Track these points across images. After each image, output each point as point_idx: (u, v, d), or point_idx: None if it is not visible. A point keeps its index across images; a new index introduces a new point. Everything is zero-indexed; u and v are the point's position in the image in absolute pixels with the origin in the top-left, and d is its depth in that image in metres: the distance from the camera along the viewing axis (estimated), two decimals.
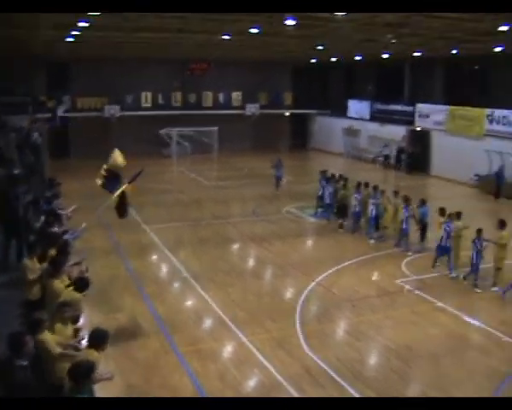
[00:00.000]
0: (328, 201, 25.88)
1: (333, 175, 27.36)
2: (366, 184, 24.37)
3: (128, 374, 12.49)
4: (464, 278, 18.60)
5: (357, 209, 23.97)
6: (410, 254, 21.27)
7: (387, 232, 22.85)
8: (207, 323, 15.57)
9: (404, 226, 21.55)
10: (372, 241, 22.80)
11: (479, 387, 12.35)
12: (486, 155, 34.15)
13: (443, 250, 19.46)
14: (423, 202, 21.85)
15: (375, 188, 23.62)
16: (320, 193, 26.73)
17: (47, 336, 8.99)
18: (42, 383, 8.59)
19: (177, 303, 16.93)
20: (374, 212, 22.95)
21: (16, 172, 20.14)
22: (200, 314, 16.00)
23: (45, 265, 11.99)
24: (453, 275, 19.01)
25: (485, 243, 18.07)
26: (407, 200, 21.88)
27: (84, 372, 7.65)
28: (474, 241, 18.17)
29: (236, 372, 12.72)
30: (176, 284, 18.59)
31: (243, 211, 28.68)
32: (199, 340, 14.38)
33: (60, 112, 41.43)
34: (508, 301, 17.05)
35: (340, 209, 24.80)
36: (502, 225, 18.13)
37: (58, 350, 8.95)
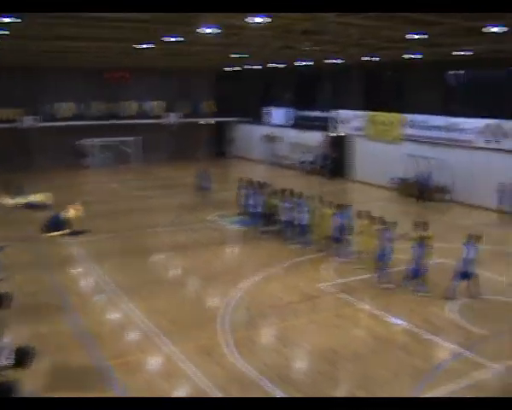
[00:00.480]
0: (256, 209, 25.73)
1: (261, 184, 27.26)
2: (291, 192, 24.52)
3: (55, 390, 12.19)
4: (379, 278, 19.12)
5: (285, 217, 23.96)
6: (340, 259, 21.53)
7: (312, 238, 23.08)
8: (133, 334, 15.38)
9: (334, 232, 21.74)
10: (298, 246, 22.97)
11: (404, 386, 12.65)
12: (404, 158, 35.07)
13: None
14: (345, 207, 22.24)
15: (300, 195, 23.92)
16: (245, 201, 26.75)
17: None
18: None
19: (102, 315, 16.64)
20: (301, 219, 23.05)
21: None
22: (126, 326, 15.81)
23: None
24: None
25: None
26: (339, 207, 22.19)
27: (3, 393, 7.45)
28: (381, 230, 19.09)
29: (165, 383, 12.62)
30: (100, 296, 18.26)
31: (166, 220, 28.47)
32: (125, 352, 14.19)
33: None
34: (428, 300, 17.53)
35: (268, 217, 24.87)
36: (422, 226, 18.67)
37: None
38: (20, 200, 14.71)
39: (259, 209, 25.45)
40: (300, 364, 14.10)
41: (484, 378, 13.01)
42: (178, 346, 14.33)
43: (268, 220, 24.78)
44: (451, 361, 13.85)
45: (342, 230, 21.69)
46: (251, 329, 15.64)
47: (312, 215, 22.94)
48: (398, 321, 16.05)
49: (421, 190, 32.63)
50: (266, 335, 15.63)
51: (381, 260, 18.97)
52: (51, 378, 12.72)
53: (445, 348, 14.63)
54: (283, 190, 24.92)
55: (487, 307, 17.15)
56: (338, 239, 21.77)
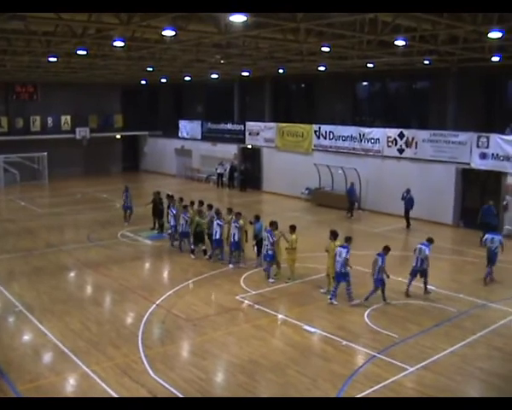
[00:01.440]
0: (173, 223, 25.10)
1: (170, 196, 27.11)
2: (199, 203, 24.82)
3: None
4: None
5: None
6: (244, 266, 21.96)
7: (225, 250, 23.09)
8: (46, 357, 14.91)
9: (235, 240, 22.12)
10: (211, 259, 22.97)
11: (324, 391, 12.77)
12: (315, 168, 35.65)
13: (268, 258, 20.44)
14: (257, 218, 22.38)
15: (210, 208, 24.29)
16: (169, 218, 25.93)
17: None
18: None
19: (11, 339, 15.93)
20: (215, 233, 22.95)
21: None
22: (38, 348, 15.28)
23: None
24: (271, 280, 20.38)
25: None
26: (237, 215, 22.54)
27: None
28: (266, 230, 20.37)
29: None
30: (9, 319, 17.56)
31: (78, 237, 27.86)
32: (38, 376, 13.68)
33: None
34: (342, 308, 17.82)
35: (198, 236, 23.83)
36: (334, 236, 19.04)
37: None
38: None
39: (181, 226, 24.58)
40: (220, 377, 14.00)
41: (399, 380, 13.30)
42: (95, 366, 13.96)
43: (201, 239, 23.89)
44: (368, 365, 14.09)
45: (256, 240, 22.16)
46: (168, 344, 15.43)
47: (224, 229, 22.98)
48: (315, 329, 16.21)
49: (351, 204, 32.59)
50: (184, 349, 15.49)
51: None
52: None
53: (360, 353, 14.87)
54: (191, 203, 25.39)
55: (398, 312, 17.61)
56: (237, 247, 22.31)
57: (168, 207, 26.34)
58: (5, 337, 16.00)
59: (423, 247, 19.08)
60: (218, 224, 22.59)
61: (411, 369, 13.82)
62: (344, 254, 18.03)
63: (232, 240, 22.05)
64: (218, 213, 23.10)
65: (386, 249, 18.38)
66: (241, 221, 22.05)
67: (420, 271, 19.05)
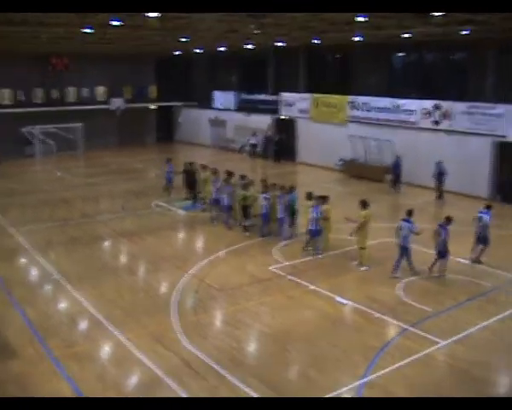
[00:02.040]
0: (224, 202, 24.00)
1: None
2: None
3: (3, 385, 11.97)
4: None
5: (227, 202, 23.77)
6: (284, 241, 21.70)
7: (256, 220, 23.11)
8: (82, 324, 15.18)
9: (281, 216, 21.84)
10: (247, 233, 22.67)
11: (355, 363, 12.81)
12: (349, 140, 35.44)
13: (313, 234, 20.02)
14: (291, 189, 22.31)
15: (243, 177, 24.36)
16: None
17: None
18: None
19: (49, 306, 16.34)
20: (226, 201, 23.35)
21: None
22: (74, 316, 15.57)
23: None
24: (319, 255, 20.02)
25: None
26: (282, 188, 22.28)
27: None
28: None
29: (116, 372, 12.52)
30: (47, 287, 17.95)
31: (112, 207, 28.17)
32: (74, 342, 14.00)
33: None
34: (374, 280, 17.79)
35: (244, 210, 23.11)
36: (363, 204, 18.98)
37: None
38: None
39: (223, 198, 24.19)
40: (252, 347, 14.14)
41: (431, 353, 13.28)
42: (128, 333, 14.20)
43: (247, 214, 23.13)
44: (400, 338, 14.08)
45: (287, 211, 21.83)
46: (201, 313, 15.60)
47: (255, 198, 22.91)
48: (347, 301, 16.22)
49: (397, 177, 32.02)
50: (216, 318, 15.63)
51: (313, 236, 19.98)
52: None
53: (393, 326, 14.84)
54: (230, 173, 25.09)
55: (432, 285, 17.53)
56: (282, 221, 21.92)
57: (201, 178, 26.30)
58: (42, 305, 16.37)
59: (483, 215, 19.10)
60: (264, 198, 22.15)
61: (444, 342, 13.75)
62: (411, 229, 17.78)
63: (313, 227, 20.02)
64: (265, 186, 22.81)
65: (448, 220, 18.06)
66: (324, 206, 20.23)
67: (481, 238, 19.07)
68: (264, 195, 22.24)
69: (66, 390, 11.69)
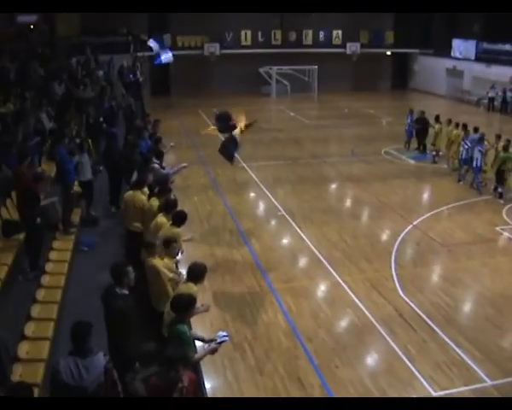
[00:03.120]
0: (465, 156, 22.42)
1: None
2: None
3: (224, 308, 12.82)
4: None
5: (463, 156, 22.40)
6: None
7: (486, 177, 22.01)
8: (302, 261, 15.70)
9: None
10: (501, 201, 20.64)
11: None
12: None
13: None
14: None
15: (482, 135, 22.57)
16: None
17: (158, 262, 9.46)
18: (144, 309, 9.01)
19: (272, 241, 17.09)
20: (479, 159, 21.45)
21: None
22: (296, 253, 16.15)
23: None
24: None
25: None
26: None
27: (185, 304, 7.91)
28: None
29: (329, 311, 12.83)
30: (272, 222, 18.75)
31: (341, 151, 28.46)
32: (293, 278, 14.56)
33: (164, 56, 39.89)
34: None
35: (499, 174, 21.01)
36: None
37: (170, 275, 9.45)
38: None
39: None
40: (467, 307, 13.70)
41: None
42: (346, 276, 14.46)
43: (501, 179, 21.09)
44: None
45: None
46: (420, 266, 15.40)
47: (486, 154, 21.61)
48: None
49: None
50: (435, 273, 15.33)
51: None
52: (221, 297, 13.38)
53: None
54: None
55: None
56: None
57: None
58: (267, 239, 17.15)
59: None
60: (479, 150, 21.14)
61: None
62: None
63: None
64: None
65: None
66: None
67: None
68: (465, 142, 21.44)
69: (282, 323, 12.24)
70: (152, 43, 30.53)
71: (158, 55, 30.23)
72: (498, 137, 22.24)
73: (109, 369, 6.78)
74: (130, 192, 12.71)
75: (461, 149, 22.51)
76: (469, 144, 21.97)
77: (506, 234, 17.61)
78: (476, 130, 22.71)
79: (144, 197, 12.43)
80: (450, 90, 47.33)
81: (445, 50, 47.77)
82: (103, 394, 6.65)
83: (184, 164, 16.44)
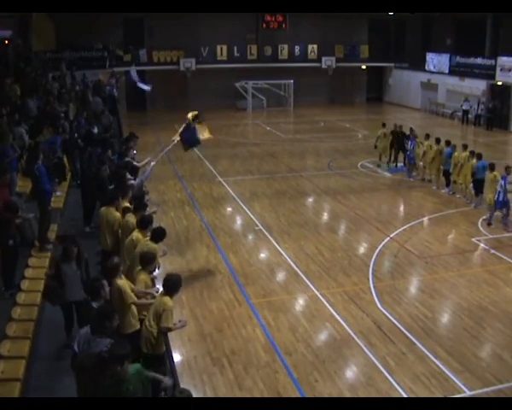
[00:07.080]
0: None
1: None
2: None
3: (202, 323, 12.77)
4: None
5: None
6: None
7: (457, 187, 22.30)
8: (280, 275, 15.69)
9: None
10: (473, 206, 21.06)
11: None
12: None
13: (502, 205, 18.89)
14: (480, 157, 20.97)
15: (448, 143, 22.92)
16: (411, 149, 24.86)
17: (124, 283, 9.24)
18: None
19: (250, 255, 17.07)
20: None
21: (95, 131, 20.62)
22: (273, 267, 16.14)
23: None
24: None
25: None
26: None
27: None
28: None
29: (308, 325, 12.82)
30: (249, 236, 18.73)
31: (318, 164, 28.54)
32: (271, 292, 14.53)
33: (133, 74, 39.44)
34: None
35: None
36: None
37: (132, 299, 9.19)
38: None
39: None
40: (445, 318, 13.75)
41: None
42: (323, 289, 14.48)
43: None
44: None
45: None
46: (398, 278, 15.45)
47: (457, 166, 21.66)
48: None
49: None
50: (413, 285, 15.40)
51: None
52: (199, 312, 13.33)
53: None
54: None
55: None
56: (502, 205, 19.07)
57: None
58: (244, 253, 17.12)
59: None
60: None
61: None
62: None
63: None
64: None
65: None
66: None
67: None
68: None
69: (260, 337, 12.22)
70: (132, 73, 31.21)
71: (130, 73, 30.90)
72: (465, 146, 22.26)
73: (102, 355, 7.07)
74: (103, 209, 12.55)
75: (498, 188, 19.00)
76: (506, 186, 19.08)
77: (482, 245, 17.78)
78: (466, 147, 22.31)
79: (118, 214, 12.24)
80: (425, 103, 47.75)
81: (419, 64, 48.21)
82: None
83: (148, 158, 16.31)
